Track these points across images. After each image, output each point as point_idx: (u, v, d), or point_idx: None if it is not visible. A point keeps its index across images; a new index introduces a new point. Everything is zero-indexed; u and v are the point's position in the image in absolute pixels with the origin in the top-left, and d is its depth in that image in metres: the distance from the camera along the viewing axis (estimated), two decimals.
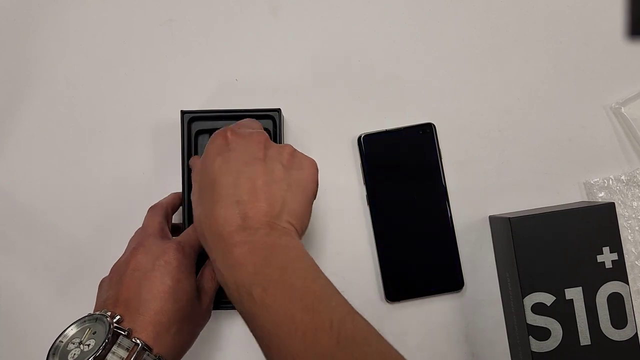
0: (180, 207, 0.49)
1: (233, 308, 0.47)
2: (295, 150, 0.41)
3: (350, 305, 0.34)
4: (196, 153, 0.49)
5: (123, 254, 0.43)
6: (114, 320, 0.36)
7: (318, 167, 0.41)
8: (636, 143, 0.53)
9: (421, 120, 0.52)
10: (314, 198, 0.41)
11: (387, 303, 0.52)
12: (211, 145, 0.40)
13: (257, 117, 0.48)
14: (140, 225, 0.45)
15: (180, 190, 0.49)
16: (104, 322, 0.36)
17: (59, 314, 0.51)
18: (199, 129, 0.49)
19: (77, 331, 0.37)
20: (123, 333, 0.36)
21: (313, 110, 0.53)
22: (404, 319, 0.52)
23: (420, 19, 0.54)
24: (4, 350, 0.51)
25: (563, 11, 0.54)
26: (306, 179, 0.40)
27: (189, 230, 0.44)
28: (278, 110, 0.48)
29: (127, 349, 0.35)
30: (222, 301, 0.47)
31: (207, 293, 0.43)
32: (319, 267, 0.36)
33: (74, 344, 0.36)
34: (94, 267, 0.50)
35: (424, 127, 0.52)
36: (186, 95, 0.53)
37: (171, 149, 0.52)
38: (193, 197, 0.40)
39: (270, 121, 0.49)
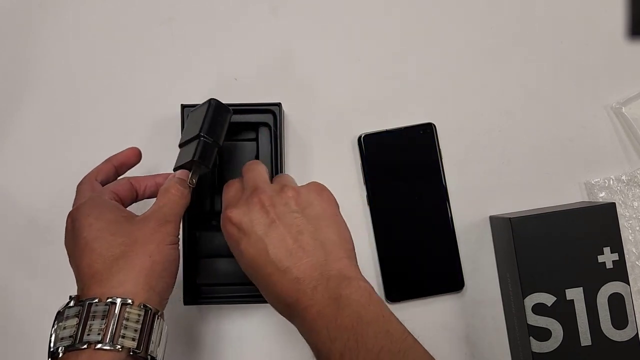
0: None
1: (220, 302, 0.48)
2: (295, 188, 0.40)
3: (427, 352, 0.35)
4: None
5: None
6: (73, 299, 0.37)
7: (322, 183, 0.41)
8: (637, 143, 0.52)
9: (421, 120, 0.52)
10: (339, 208, 0.40)
11: (388, 303, 0.51)
12: (226, 235, 0.39)
13: (258, 112, 0.48)
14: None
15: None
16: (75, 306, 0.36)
17: None
18: None
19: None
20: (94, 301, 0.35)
21: (313, 111, 0.53)
22: (404, 320, 0.51)
23: (420, 19, 0.54)
24: (4, 350, 0.51)
25: (563, 11, 0.54)
26: (323, 206, 0.39)
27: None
28: (278, 105, 0.48)
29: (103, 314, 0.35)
30: (204, 296, 0.47)
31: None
32: (386, 305, 0.36)
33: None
34: None
35: (424, 127, 0.52)
36: (185, 95, 0.53)
37: (170, 147, 0.51)
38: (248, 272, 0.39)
39: (271, 115, 0.48)
